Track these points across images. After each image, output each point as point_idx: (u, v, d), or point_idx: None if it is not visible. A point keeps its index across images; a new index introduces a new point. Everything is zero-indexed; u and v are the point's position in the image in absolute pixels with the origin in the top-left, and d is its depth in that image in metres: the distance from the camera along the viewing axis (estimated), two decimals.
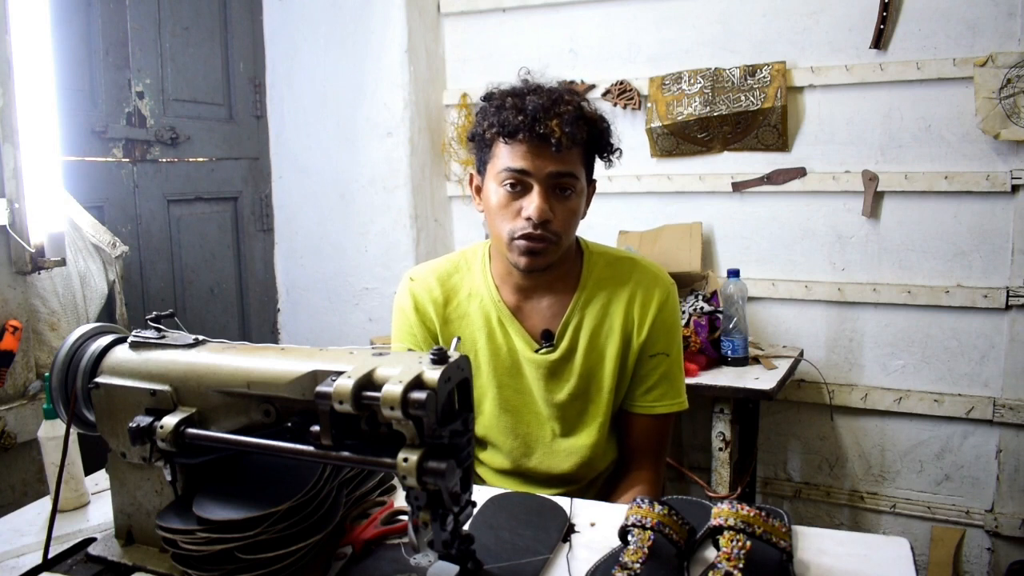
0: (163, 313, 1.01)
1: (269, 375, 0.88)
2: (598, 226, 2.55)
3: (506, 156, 1.22)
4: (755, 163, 2.40)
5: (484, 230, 2.46)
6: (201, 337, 0.99)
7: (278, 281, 2.85)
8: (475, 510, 0.88)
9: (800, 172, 2.35)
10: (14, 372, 1.70)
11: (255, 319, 2.74)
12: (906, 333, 2.30)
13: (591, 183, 1.32)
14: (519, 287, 1.32)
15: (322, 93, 2.69)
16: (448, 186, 2.83)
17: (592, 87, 2.54)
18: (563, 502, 1.10)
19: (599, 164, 1.32)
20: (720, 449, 2.08)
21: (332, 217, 2.75)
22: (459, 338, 0.98)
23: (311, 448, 0.82)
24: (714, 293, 2.26)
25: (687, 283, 2.35)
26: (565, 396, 1.32)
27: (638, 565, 0.87)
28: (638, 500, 0.94)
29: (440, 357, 0.79)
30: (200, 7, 2.45)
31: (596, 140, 1.27)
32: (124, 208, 2.18)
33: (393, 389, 0.76)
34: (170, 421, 0.89)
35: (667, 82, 2.43)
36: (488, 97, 1.28)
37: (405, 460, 0.76)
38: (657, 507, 0.93)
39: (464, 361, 0.83)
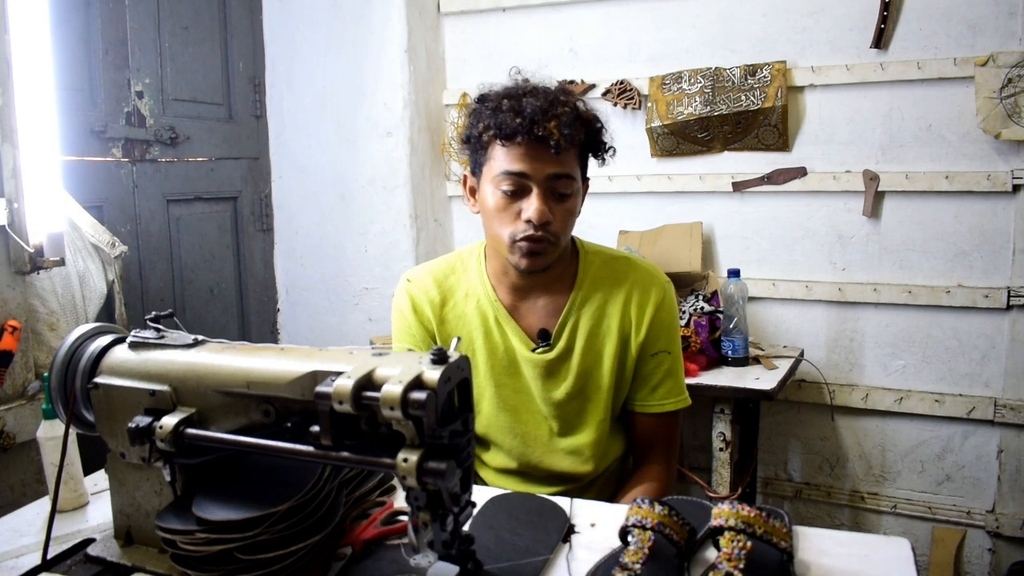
0: (162, 313, 1.01)
1: (269, 375, 0.88)
2: (598, 226, 2.55)
3: (503, 159, 1.22)
4: (755, 163, 2.40)
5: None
6: (200, 337, 0.98)
7: (278, 281, 2.85)
8: (475, 510, 0.88)
9: (800, 172, 2.35)
10: (13, 372, 1.70)
11: (255, 319, 2.74)
12: (907, 333, 2.30)
13: (585, 181, 1.32)
14: (515, 287, 1.33)
15: (322, 93, 2.69)
16: (448, 186, 2.83)
17: (592, 87, 2.54)
18: (563, 502, 1.09)
19: (597, 164, 1.32)
20: (720, 449, 2.08)
21: (332, 217, 2.75)
22: (459, 338, 0.98)
23: (311, 448, 0.82)
24: (714, 293, 2.25)
25: (687, 283, 2.35)
26: (563, 395, 1.32)
27: (638, 565, 0.87)
28: (638, 500, 0.94)
29: (440, 357, 0.79)
30: (200, 7, 2.44)
31: (591, 140, 1.27)
32: (123, 208, 2.18)
33: (393, 389, 0.75)
34: (169, 421, 0.89)
35: (667, 82, 2.43)
36: (482, 99, 1.27)
37: (405, 460, 0.76)
38: (657, 507, 0.92)
39: (464, 361, 0.83)
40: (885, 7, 2.17)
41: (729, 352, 2.17)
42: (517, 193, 1.22)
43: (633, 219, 2.56)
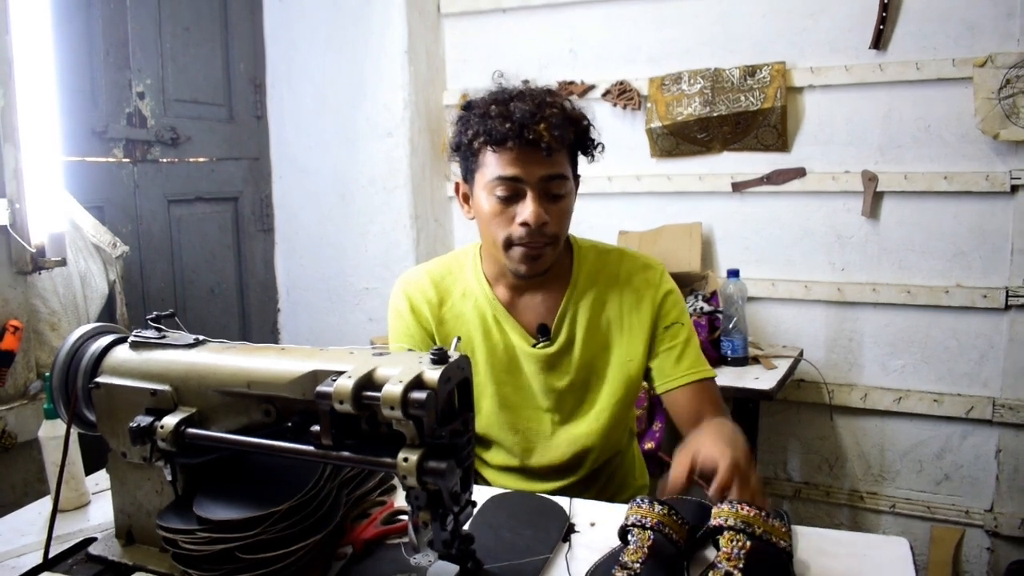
0: (163, 313, 1.01)
1: (269, 375, 0.88)
2: (598, 226, 2.55)
3: (495, 164, 1.22)
4: (755, 163, 2.40)
5: None
6: (201, 337, 0.99)
7: (278, 281, 2.85)
8: (475, 510, 0.88)
9: (800, 172, 2.35)
10: (15, 372, 1.70)
11: (255, 319, 2.74)
12: (906, 333, 2.30)
13: (577, 179, 1.33)
14: (511, 285, 1.34)
15: (322, 93, 2.70)
16: (448, 186, 2.83)
17: (592, 87, 2.54)
18: (563, 502, 1.10)
19: (587, 161, 1.33)
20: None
21: (332, 217, 2.75)
22: (459, 338, 0.98)
23: (311, 448, 0.82)
24: (714, 293, 2.26)
25: (687, 283, 2.35)
26: (564, 387, 1.33)
27: (638, 565, 0.88)
28: (638, 500, 0.95)
29: (440, 357, 0.79)
30: (200, 7, 2.45)
31: (581, 138, 1.28)
32: (124, 208, 2.18)
33: (393, 389, 0.76)
34: (170, 421, 0.89)
35: (667, 82, 2.44)
36: (469, 106, 1.27)
37: (405, 460, 0.76)
38: (657, 507, 0.93)
39: (464, 361, 0.83)
40: (884, 8, 2.17)
41: (728, 352, 2.17)
42: (511, 197, 1.23)
43: (633, 219, 2.56)
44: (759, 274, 2.43)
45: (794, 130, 2.35)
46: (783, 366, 2.16)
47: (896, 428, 2.35)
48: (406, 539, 0.96)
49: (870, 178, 2.26)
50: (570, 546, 0.99)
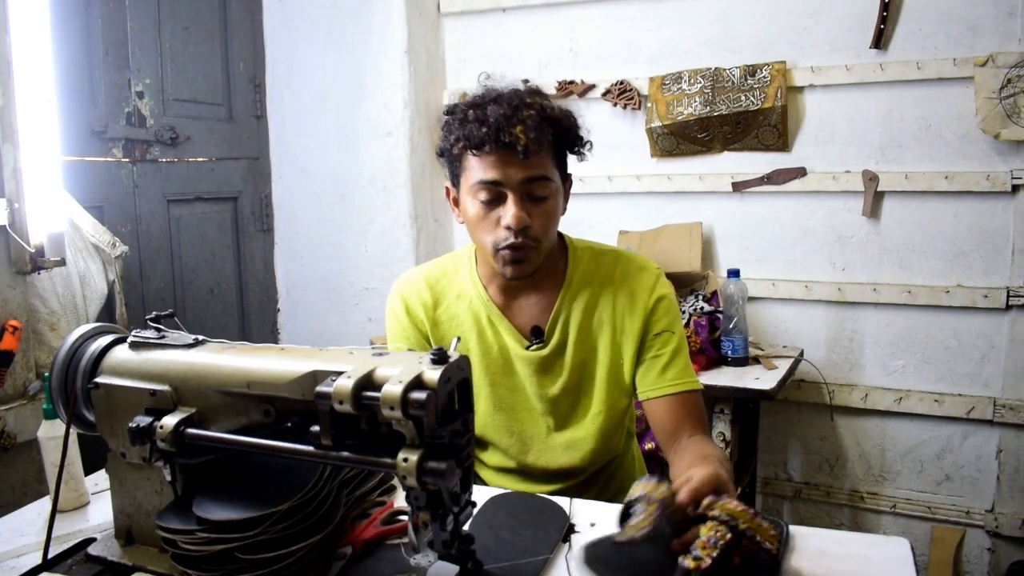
0: (163, 313, 1.01)
1: (269, 375, 0.88)
2: (598, 226, 2.55)
3: (477, 169, 1.22)
4: (755, 163, 2.40)
5: None
6: (201, 337, 0.99)
7: (278, 281, 2.85)
8: (475, 510, 0.88)
9: (800, 172, 2.35)
10: (14, 372, 1.70)
11: (255, 319, 2.74)
12: (906, 333, 2.30)
13: (567, 179, 1.32)
14: (506, 286, 1.34)
15: (322, 93, 2.69)
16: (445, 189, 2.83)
17: (592, 87, 2.54)
18: (563, 502, 1.10)
19: (577, 160, 1.32)
20: (720, 449, 2.08)
21: (332, 217, 2.75)
22: (459, 338, 0.98)
23: (311, 448, 0.82)
24: (714, 293, 2.26)
25: (687, 283, 2.35)
26: (558, 390, 1.33)
27: (641, 533, 0.87)
28: (645, 478, 0.94)
29: (440, 357, 0.79)
30: (200, 7, 2.45)
31: (564, 137, 1.27)
32: (124, 208, 2.18)
33: (393, 389, 0.76)
34: (170, 421, 0.89)
35: (667, 82, 2.43)
36: (451, 111, 1.27)
37: (405, 460, 0.76)
38: (663, 486, 0.91)
39: (464, 361, 0.83)
40: (885, 7, 2.17)
41: (729, 352, 2.17)
42: (494, 201, 1.23)
43: (633, 219, 2.56)
44: (759, 274, 2.43)
45: (794, 130, 2.35)
46: (783, 366, 2.16)
47: (897, 428, 2.35)
48: (406, 539, 0.95)
49: (871, 178, 2.26)
50: (570, 546, 0.99)
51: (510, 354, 1.34)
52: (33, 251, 1.73)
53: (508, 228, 1.21)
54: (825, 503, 2.47)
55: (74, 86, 2.03)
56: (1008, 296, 2.15)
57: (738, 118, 2.36)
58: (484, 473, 1.43)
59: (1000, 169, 2.13)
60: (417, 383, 0.77)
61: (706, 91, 2.37)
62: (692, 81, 2.39)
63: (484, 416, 1.36)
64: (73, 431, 1.04)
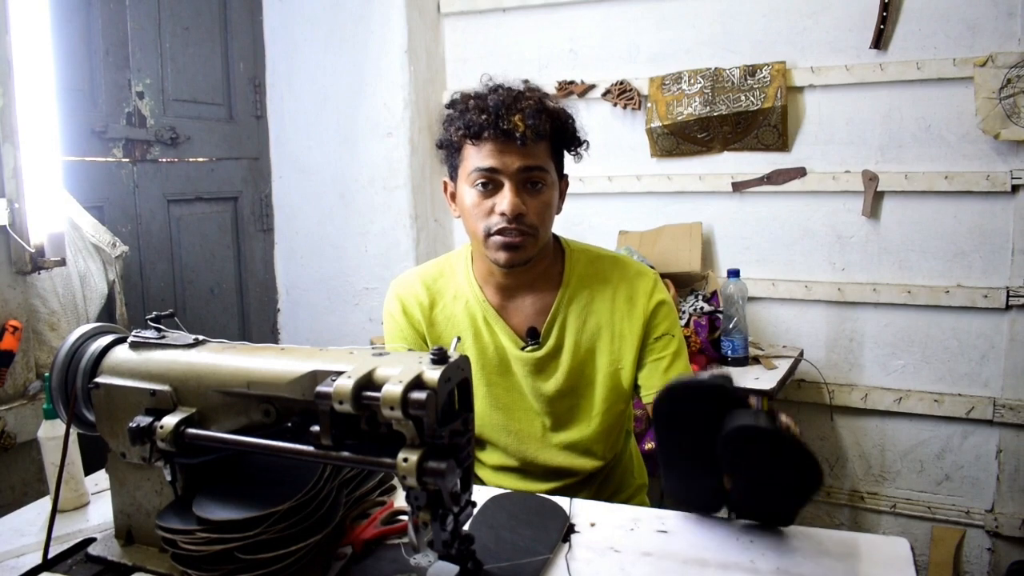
0: (163, 313, 1.01)
1: (269, 375, 0.88)
2: (598, 226, 2.55)
3: (475, 157, 1.24)
4: (755, 163, 2.40)
5: None
6: (201, 337, 0.99)
7: (278, 281, 2.85)
8: (475, 510, 0.88)
9: (800, 172, 2.35)
10: (14, 372, 1.70)
11: (255, 319, 2.74)
12: (906, 333, 2.30)
13: (563, 178, 1.34)
14: (502, 286, 1.34)
15: (322, 93, 2.69)
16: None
17: (592, 87, 2.54)
18: (563, 502, 1.10)
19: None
20: None
21: (332, 217, 2.75)
22: (459, 338, 0.99)
23: (311, 448, 0.82)
24: (714, 293, 2.26)
25: (687, 283, 2.35)
26: (553, 392, 1.33)
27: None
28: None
29: (440, 357, 0.79)
30: (200, 7, 2.45)
31: (561, 134, 1.29)
32: (124, 208, 2.18)
33: (393, 389, 0.76)
34: (170, 421, 0.89)
35: (667, 82, 2.43)
36: (452, 104, 1.30)
37: (405, 460, 0.76)
38: None
39: (464, 361, 0.83)
40: (884, 8, 2.17)
41: (729, 352, 2.17)
42: (490, 188, 1.24)
43: (633, 219, 2.56)
44: (759, 274, 2.43)
45: (794, 130, 2.35)
46: (783, 366, 2.16)
47: (896, 428, 2.35)
48: (406, 539, 0.95)
49: (870, 178, 2.26)
50: (570, 546, 0.99)
51: (506, 354, 1.34)
52: (33, 251, 1.73)
53: (502, 214, 1.22)
54: (825, 503, 2.47)
55: (74, 86, 2.03)
56: (1008, 296, 2.15)
57: (738, 118, 2.36)
58: (483, 472, 1.43)
59: (1000, 169, 2.13)
60: (417, 383, 0.77)
61: (706, 91, 2.37)
62: (692, 81, 2.39)
63: (482, 416, 1.36)
64: (73, 431, 1.04)
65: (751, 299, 2.37)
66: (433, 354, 0.80)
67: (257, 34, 2.70)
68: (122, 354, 0.98)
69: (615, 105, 2.51)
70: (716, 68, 2.37)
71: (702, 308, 2.20)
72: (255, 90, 2.70)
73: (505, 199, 1.22)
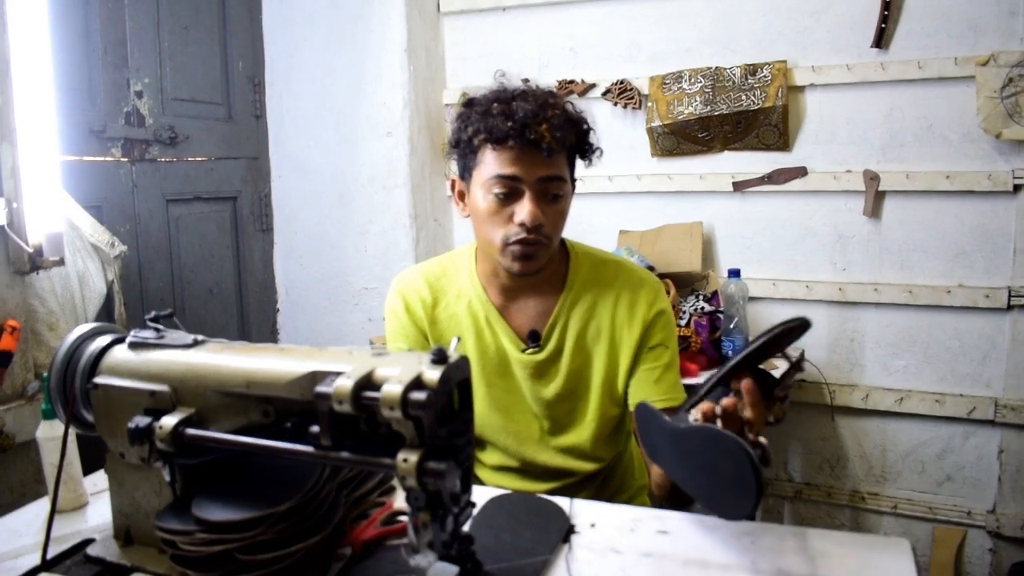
0: (162, 313, 1.01)
1: (268, 375, 0.87)
2: (598, 226, 2.54)
3: (494, 162, 1.22)
4: (756, 163, 2.40)
5: None
6: (200, 337, 0.98)
7: (277, 281, 2.84)
8: (475, 511, 0.88)
9: (801, 172, 2.35)
10: (12, 372, 1.70)
11: (254, 319, 2.73)
12: (907, 333, 2.30)
13: (573, 182, 1.33)
14: (505, 288, 1.34)
15: (321, 92, 2.69)
16: (448, 185, 2.82)
17: (592, 86, 2.54)
18: (563, 502, 1.09)
19: (584, 165, 1.32)
20: None
21: (331, 217, 2.75)
22: (459, 338, 0.98)
23: (310, 448, 0.82)
24: (715, 293, 2.25)
25: (687, 283, 2.35)
26: (552, 395, 1.33)
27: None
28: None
29: (440, 357, 0.79)
30: (199, 6, 2.44)
31: (580, 142, 1.28)
32: (123, 208, 2.18)
33: (393, 389, 0.75)
34: (169, 421, 0.88)
35: (668, 81, 2.43)
36: (470, 103, 1.27)
37: (405, 461, 0.76)
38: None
39: (464, 361, 0.82)
40: (886, 7, 2.16)
41: (729, 352, 2.17)
42: (509, 197, 1.22)
43: (633, 219, 2.55)
44: (760, 274, 2.43)
45: (795, 129, 2.34)
46: (784, 366, 2.14)
47: (898, 429, 2.35)
48: (405, 540, 0.95)
49: (872, 177, 2.25)
50: (570, 547, 0.99)
51: (507, 356, 1.34)
52: (32, 251, 1.73)
53: (522, 225, 1.21)
54: (826, 504, 2.47)
55: (73, 85, 2.03)
56: (1009, 296, 2.14)
57: (739, 117, 2.35)
58: (482, 472, 1.43)
59: (1002, 169, 2.12)
60: (417, 383, 0.77)
61: (707, 90, 2.37)
62: (693, 80, 2.39)
63: (481, 416, 1.36)
64: (72, 431, 1.03)
65: (752, 299, 2.37)
66: (433, 354, 0.79)
67: (256, 33, 2.69)
68: (121, 354, 0.97)
69: (615, 104, 2.51)
70: (717, 67, 2.37)
71: (703, 308, 2.19)
72: (254, 89, 2.69)
73: (525, 209, 1.21)
